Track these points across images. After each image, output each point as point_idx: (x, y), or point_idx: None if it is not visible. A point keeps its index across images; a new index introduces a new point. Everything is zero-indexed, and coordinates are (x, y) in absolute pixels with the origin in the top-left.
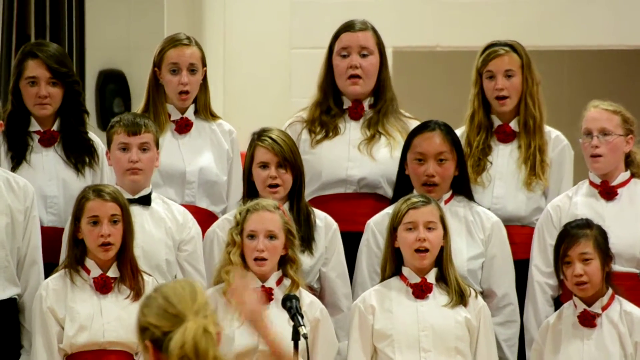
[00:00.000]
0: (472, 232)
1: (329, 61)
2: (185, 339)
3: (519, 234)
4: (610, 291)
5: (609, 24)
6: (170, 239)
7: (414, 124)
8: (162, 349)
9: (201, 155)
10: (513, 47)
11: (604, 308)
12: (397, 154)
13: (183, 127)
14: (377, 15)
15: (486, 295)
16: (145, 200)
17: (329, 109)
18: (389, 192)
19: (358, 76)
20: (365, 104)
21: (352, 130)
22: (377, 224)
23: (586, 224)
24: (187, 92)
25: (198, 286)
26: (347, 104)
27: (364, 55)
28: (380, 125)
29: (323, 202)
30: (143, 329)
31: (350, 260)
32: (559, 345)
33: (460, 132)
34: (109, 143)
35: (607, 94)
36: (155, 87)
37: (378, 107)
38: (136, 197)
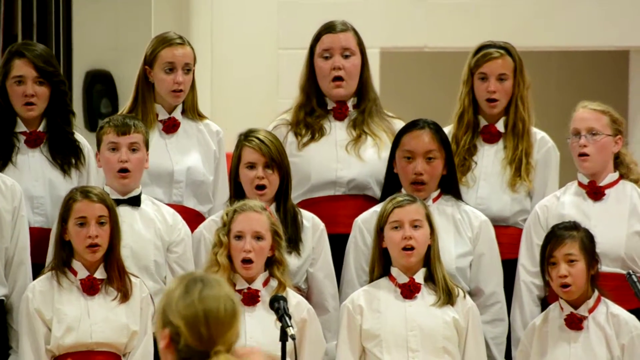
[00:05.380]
0: (460, 230)
1: (311, 63)
2: None
3: (504, 234)
4: (596, 294)
5: (597, 24)
6: (160, 240)
7: (398, 123)
8: (175, 347)
9: (188, 155)
10: (508, 50)
11: (590, 310)
12: (385, 154)
13: (170, 127)
14: (365, 15)
15: (474, 293)
16: (135, 201)
17: (312, 111)
18: (378, 193)
19: (341, 78)
20: (349, 104)
21: (337, 131)
22: (364, 222)
23: (573, 226)
24: (181, 90)
25: (239, 310)
26: (331, 104)
27: (346, 56)
28: (365, 126)
29: (311, 205)
30: (168, 321)
31: (338, 262)
32: (546, 347)
33: (446, 130)
34: (98, 144)
35: (596, 95)
36: (145, 86)
37: (362, 107)
38: (126, 197)
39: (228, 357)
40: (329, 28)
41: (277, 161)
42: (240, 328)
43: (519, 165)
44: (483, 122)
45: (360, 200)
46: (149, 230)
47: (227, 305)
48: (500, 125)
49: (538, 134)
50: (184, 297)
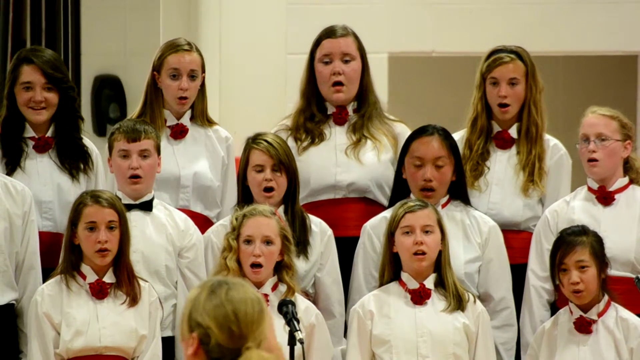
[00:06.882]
0: (469, 236)
1: (311, 68)
2: None
3: (516, 239)
4: (606, 297)
5: (605, 29)
6: (171, 245)
7: (399, 126)
8: (205, 349)
9: (196, 161)
10: (519, 55)
11: (600, 314)
12: (384, 157)
13: (178, 133)
14: (373, 20)
15: (483, 299)
16: (147, 206)
17: (312, 116)
18: (378, 195)
19: (341, 83)
20: (349, 109)
21: (337, 135)
22: (373, 228)
23: (582, 230)
24: (186, 98)
25: (266, 308)
26: (331, 109)
27: (346, 61)
28: (365, 130)
29: (313, 208)
30: (197, 324)
31: (342, 265)
32: (554, 350)
33: (459, 135)
34: (110, 150)
35: (604, 100)
36: (154, 92)
37: (362, 111)
38: (137, 202)
39: (259, 353)
40: (329, 33)
41: (285, 163)
42: (267, 326)
43: (532, 170)
44: (496, 128)
45: (362, 203)
46: (161, 235)
47: (254, 305)
48: (513, 131)
49: (551, 141)
50: (210, 298)
